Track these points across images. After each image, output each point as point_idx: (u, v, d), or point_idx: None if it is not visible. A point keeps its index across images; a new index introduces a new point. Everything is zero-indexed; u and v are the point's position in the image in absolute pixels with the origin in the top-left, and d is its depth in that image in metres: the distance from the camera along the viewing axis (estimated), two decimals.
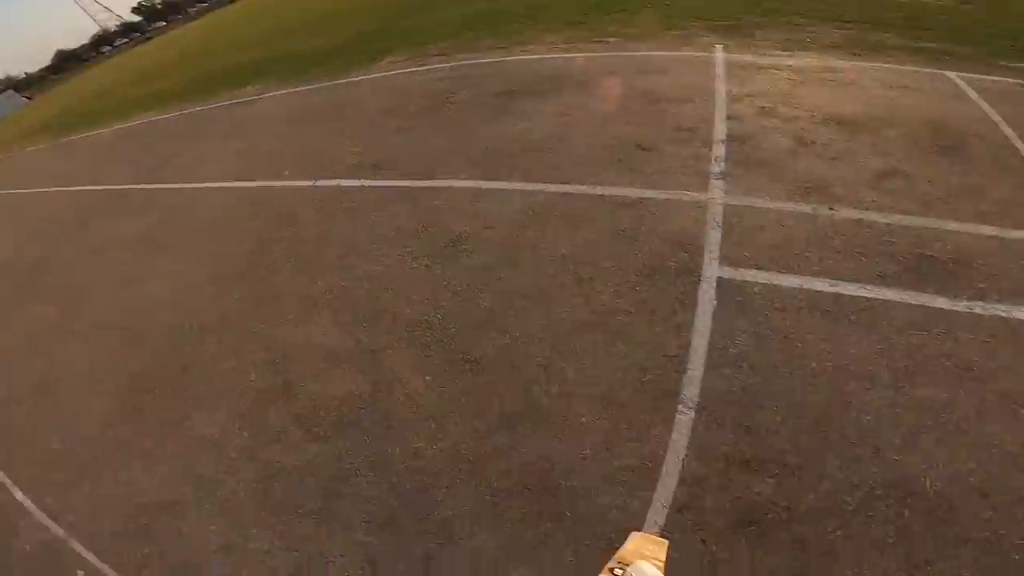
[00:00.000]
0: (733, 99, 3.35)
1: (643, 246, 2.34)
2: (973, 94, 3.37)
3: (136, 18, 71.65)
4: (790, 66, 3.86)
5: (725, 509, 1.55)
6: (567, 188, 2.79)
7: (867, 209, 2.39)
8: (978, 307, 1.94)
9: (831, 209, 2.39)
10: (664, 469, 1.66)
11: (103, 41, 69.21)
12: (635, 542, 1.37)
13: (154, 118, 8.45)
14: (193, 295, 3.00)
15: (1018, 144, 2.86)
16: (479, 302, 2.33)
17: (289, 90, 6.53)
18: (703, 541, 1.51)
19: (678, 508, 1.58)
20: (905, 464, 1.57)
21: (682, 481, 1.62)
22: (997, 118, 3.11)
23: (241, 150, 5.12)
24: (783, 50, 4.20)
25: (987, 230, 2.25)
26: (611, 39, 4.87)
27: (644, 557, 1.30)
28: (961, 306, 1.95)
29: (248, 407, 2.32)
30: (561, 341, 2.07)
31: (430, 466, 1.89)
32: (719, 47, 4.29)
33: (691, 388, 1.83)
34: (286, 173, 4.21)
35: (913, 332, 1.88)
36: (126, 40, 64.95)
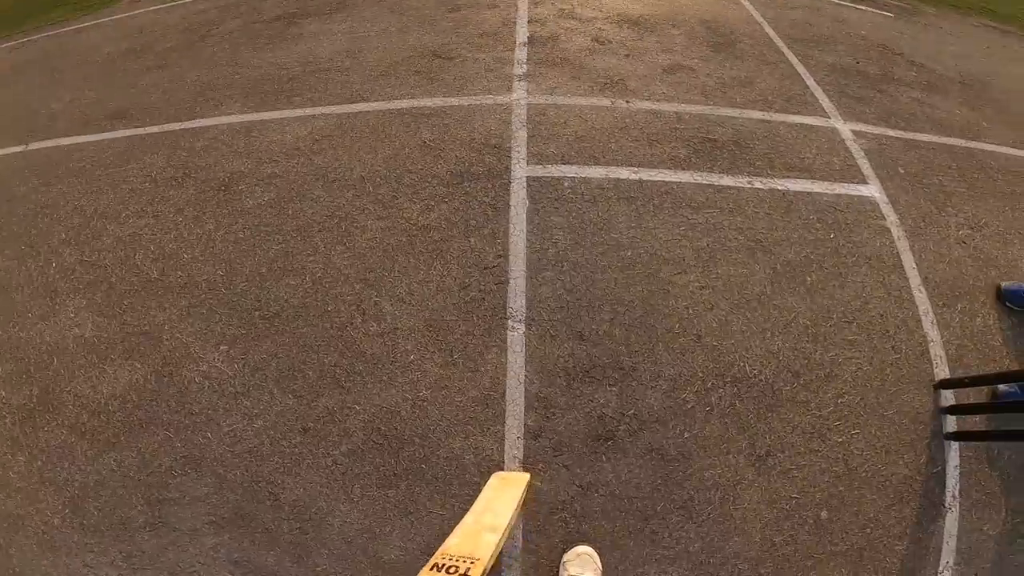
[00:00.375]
0: (535, 2, 3.21)
1: (448, 155, 2.11)
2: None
3: None
4: None
5: (579, 428, 1.50)
6: (360, 107, 2.39)
7: (658, 100, 2.48)
8: (757, 182, 2.15)
9: (627, 102, 2.43)
10: (508, 396, 1.54)
11: None
12: (486, 497, 1.29)
13: None
14: None
15: (779, 42, 3.26)
16: (267, 247, 1.89)
17: None
18: (566, 467, 1.45)
19: (533, 436, 1.49)
20: (724, 350, 1.66)
21: (529, 406, 1.53)
22: (760, 19, 3.51)
23: None
24: None
25: (757, 115, 2.51)
26: None
27: (497, 503, 1.22)
28: (743, 183, 2.15)
29: (9, 430, 1.68)
30: (371, 272, 1.78)
31: (258, 448, 1.56)
32: None
33: (517, 299, 1.71)
34: None
35: (708, 210, 2.02)
36: None
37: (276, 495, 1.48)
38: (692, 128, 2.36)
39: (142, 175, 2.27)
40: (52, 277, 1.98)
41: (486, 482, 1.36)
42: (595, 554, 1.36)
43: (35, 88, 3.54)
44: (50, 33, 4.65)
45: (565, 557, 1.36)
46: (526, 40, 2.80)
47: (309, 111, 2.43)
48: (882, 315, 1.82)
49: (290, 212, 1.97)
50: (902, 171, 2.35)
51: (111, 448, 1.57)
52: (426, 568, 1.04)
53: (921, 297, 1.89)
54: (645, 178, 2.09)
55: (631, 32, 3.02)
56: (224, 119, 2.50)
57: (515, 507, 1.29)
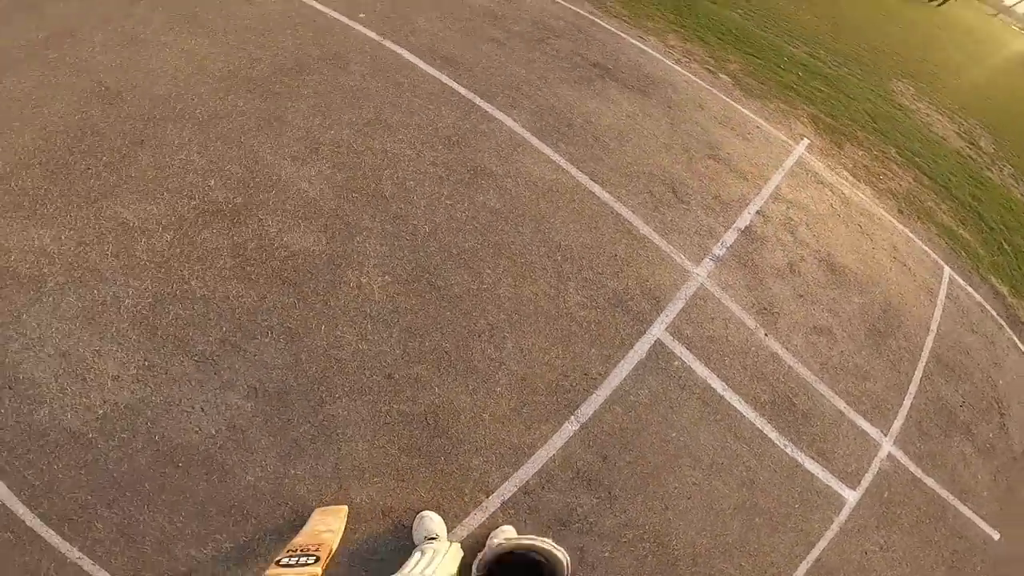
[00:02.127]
0: (774, 198, 3.57)
1: (623, 277, 2.68)
2: (943, 294, 3.79)
3: None
4: (843, 194, 4.07)
5: (556, 509, 2.03)
6: (595, 189, 3.00)
7: (787, 348, 2.83)
8: (789, 448, 2.51)
9: (765, 335, 2.82)
10: (532, 459, 2.09)
11: None
12: (316, 518, 1.67)
13: None
14: (198, 81, 2.88)
15: (923, 358, 3.28)
16: (465, 239, 2.56)
17: None
18: (524, 523, 1.98)
19: (526, 491, 2.03)
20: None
21: (540, 472, 2.08)
22: (933, 327, 3.51)
23: None
24: (851, 175, 4.36)
25: (840, 405, 2.78)
26: (724, 76, 4.77)
27: (322, 532, 1.52)
28: (781, 441, 2.52)
29: (188, 212, 2.31)
30: (517, 315, 2.44)
31: (346, 362, 2.05)
32: (805, 142, 4.38)
33: (588, 408, 2.28)
34: (361, 16, 4.04)
35: (745, 444, 2.44)
36: None
37: (321, 404, 1.97)
38: (789, 385, 2.72)
39: (429, 118, 3.06)
40: (323, 139, 2.81)
41: (470, 499, 1.91)
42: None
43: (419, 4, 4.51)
44: None
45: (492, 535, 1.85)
46: (742, 227, 3.22)
47: (562, 162, 3.09)
48: None
49: (497, 227, 2.67)
50: (886, 495, 2.59)
51: (245, 281, 2.16)
52: (273, 565, 1.26)
53: None
54: (726, 397, 2.53)
55: (823, 276, 3.31)
56: (509, 122, 3.24)
57: (341, 525, 1.63)
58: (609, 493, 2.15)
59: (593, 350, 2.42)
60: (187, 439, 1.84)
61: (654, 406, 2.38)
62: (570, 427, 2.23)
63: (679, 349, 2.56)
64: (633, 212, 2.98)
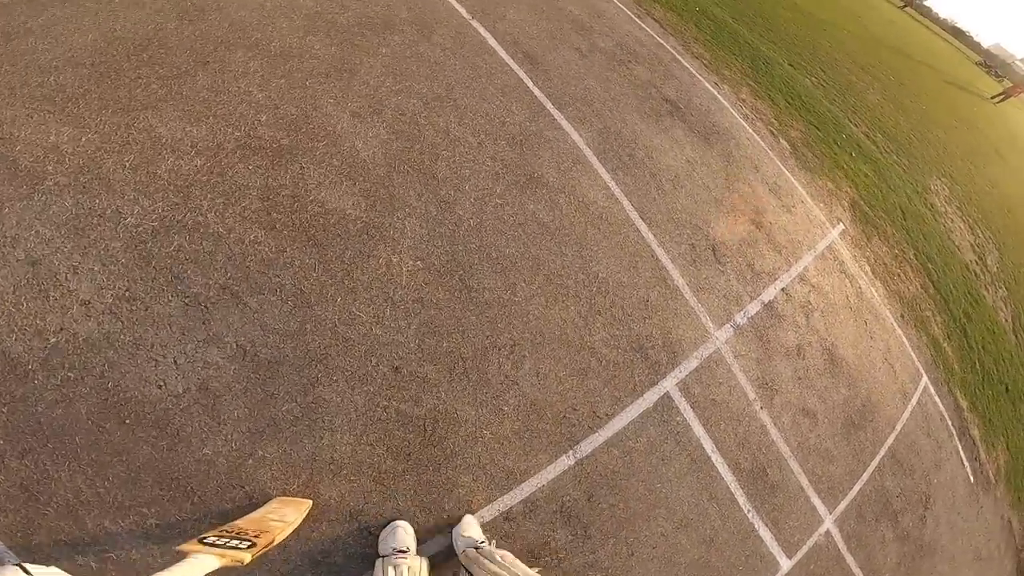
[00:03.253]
0: (800, 278, 3.58)
1: (649, 324, 2.65)
2: (915, 400, 3.90)
3: None
4: (860, 288, 4.11)
5: (531, 540, 2.00)
6: (641, 226, 2.97)
7: (775, 425, 2.88)
8: (751, 515, 2.56)
9: (760, 408, 2.84)
10: (523, 484, 2.05)
11: None
12: (272, 506, 1.47)
13: None
14: (282, 15, 2.72)
15: (879, 455, 3.40)
16: (507, 246, 2.49)
17: None
18: (505, 542, 1.94)
19: (507, 517, 1.98)
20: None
21: (526, 501, 2.04)
22: (899, 427, 3.64)
23: None
24: (871, 270, 4.40)
25: (804, 481, 2.85)
26: (785, 141, 4.73)
27: (272, 520, 1.35)
28: (747, 507, 2.56)
29: (228, 141, 2.14)
30: (542, 338, 2.39)
31: (353, 343, 1.90)
32: (840, 227, 4.39)
33: (587, 446, 2.27)
34: None
35: (716, 504, 2.47)
36: None
37: (313, 384, 1.79)
38: (768, 457, 2.78)
39: (499, 111, 2.97)
40: (386, 100, 2.68)
41: (448, 516, 1.75)
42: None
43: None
44: None
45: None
46: (766, 301, 3.22)
47: (617, 191, 3.03)
48: None
49: (541, 242, 2.60)
50: (812, 567, 2.70)
51: (266, 229, 2.01)
52: (194, 541, 1.08)
53: None
54: (712, 459, 2.56)
55: (822, 364, 3.35)
56: (575, 136, 3.15)
57: (298, 519, 1.45)
58: (585, 532, 2.15)
59: (606, 389, 2.40)
60: (145, 393, 1.58)
61: (648, 456, 2.38)
62: (566, 461, 2.22)
63: (684, 406, 2.56)
64: (672, 261, 2.95)
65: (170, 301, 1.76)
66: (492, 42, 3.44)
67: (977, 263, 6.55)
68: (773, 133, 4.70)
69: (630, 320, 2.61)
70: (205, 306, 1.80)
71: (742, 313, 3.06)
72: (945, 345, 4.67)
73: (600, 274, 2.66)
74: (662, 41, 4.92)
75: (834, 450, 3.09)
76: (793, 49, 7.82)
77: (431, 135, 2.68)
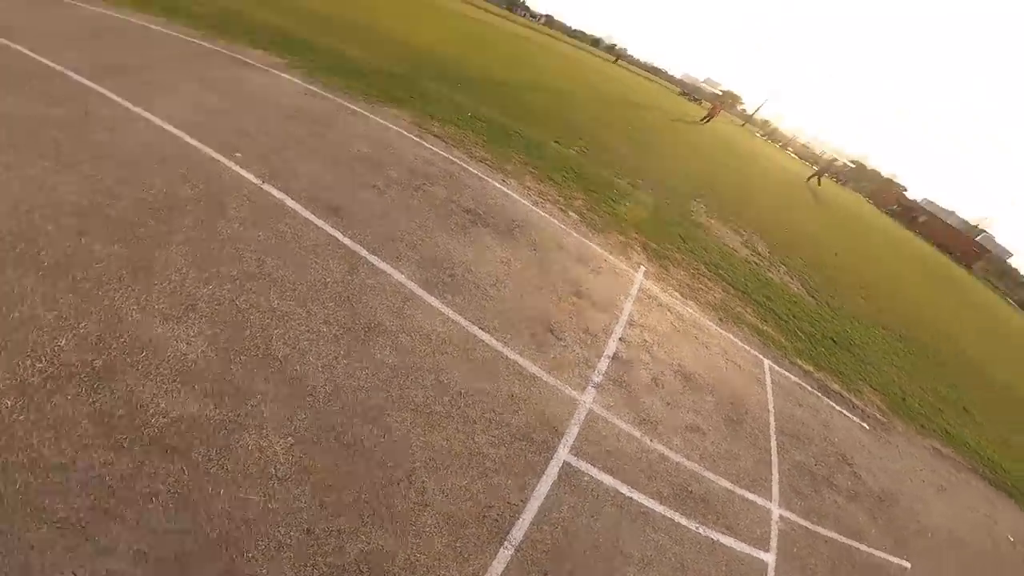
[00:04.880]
0: (629, 323, 5.06)
1: (523, 414, 3.52)
2: (769, 381, 5.61)
3: None
4: (678, 312, 5.87)
5: None
6: (483, 336, 3.94)
7: (670, 448, 3.95)
8: (700, 528, 3.47)
9: (650, 440, 3.92)
10: None
11: None
12: None
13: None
14: (46, 217, 3.13)
15: (772, 432, 4.86)
16: (371, 394, 3.14)
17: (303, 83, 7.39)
18: None
19: None
20: None
21: None
22: (770, 407, 5.22)
23: (209, 106, 5.57)
24: (680, 294, 6.31)
25: (726, 484, 3.93)
26: (573, 213, 6.67)
27: None
28: (692, 524, 3.46)
29: (32, 375, 2.47)
30: (434, 460, 3.01)
31: (255, 521, 2.31)
32: (642, 269, 6.27)
33: (518, 532, 2.88)
34: (238, 155, 4.72)
35: (663, 534, 3.30)
36: None
37: (233, 561, 2.19)
38: (681, 477, 3.77)
39: (317, 272, 3.73)
40: (199, 294, 3.23)
41: None
42: None
43: (299, 139, 5.45)
44: (339, 100, 7.10)
45: None
46: (611, 354, 4.49)
47: (451, 313, 4.00)
48: None
49: (398, 383, 3.31)
50: (795, 550, 3.69)
51: (117, 450, 2.44)
52: None
53: None
54: (634, 498, 3.42)
55: (680, 384, 4.72)
56: (397, 275, 4.10)
57: None
58: None
59: (510, 480, 3.10)
60: None
61: (576, 519, 3.11)
62: (506, 552, 2.78)
63: (584, 466, 3.41)
64: (520, 355, 3.98)
65: (40, 528, 2.01)
66: (290, 203, 4.30)
67: (753, 255, 9.67)
68: (562, 209, 6.60)
69: (504, 417, 3.45)
70: (80, 525, 2.07)
71: (596, 372, 4.22)
72: (765, 327, 6.82)
73: (462, 389, 3.48)
74: (447, 155, 6.59)
75: (733, 448, 4.32)
76: (552, 127, 10.91)
77: (257, 317, 3.25)
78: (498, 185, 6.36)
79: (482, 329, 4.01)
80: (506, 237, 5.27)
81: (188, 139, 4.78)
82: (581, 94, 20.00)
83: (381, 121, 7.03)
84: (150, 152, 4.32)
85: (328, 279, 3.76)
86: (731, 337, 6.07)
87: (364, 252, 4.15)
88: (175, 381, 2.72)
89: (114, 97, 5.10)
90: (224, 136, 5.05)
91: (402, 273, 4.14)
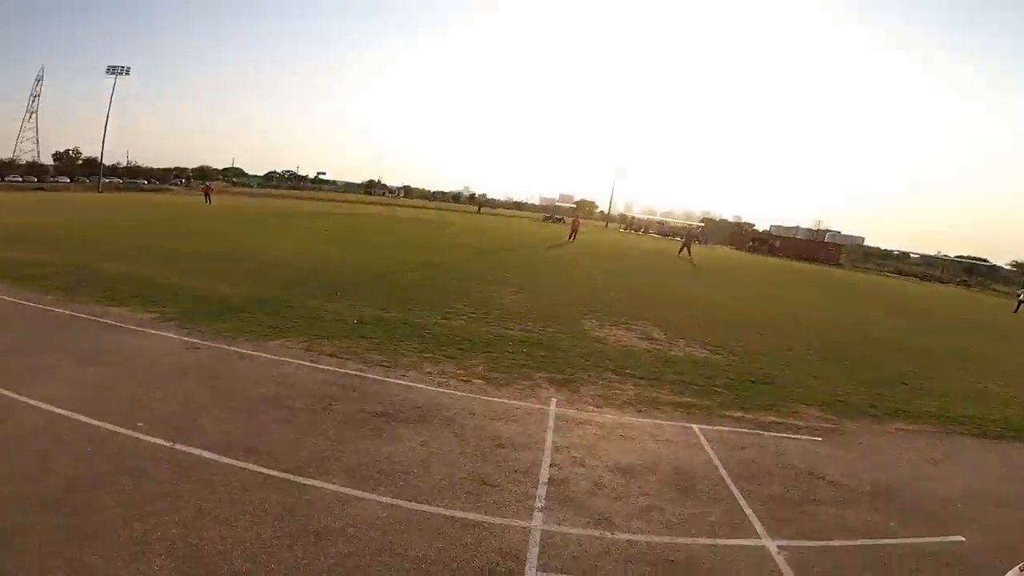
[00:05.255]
0: (557, 449, 5.77)
1: (483, 555, 3.90)
2: (704, 441, 6.35)
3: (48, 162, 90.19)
4: (599, 422, 6.69)
5: None
6: (426, 508, 4.41)
7: (635, 532, 4.41)
8: None
9: (611, 533, 4.38)
10: None
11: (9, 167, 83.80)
12: None
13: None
14: None
15: (728, 481, 5.44)
16: None
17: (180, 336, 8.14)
18: None
19: None
20: None
21: None
22: (717, 463, 5.86)
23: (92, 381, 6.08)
24: (595, 407, 7.20)
25: (705, 540, 4.38)
26: (477, 379, 7.61)
27: None
28: None
29: None
30: None
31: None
32: (553, 401, 7.17)
33: None
34: (140, 424, 5.13)
35: None
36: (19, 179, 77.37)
37: None
38: (656, 552, 4.18)
39: (258, 500, 4.13)
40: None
41: None
42: None
43: (195, 395, 5.96)
44: (223, 346, 7.78)
45: None
46: (546, 480, 5.10)
47: (388, 499, 4.46)
48: None
49: (357, 562, 3.62)
50: (816, 571, 4.01)
51: None
52: None
53: None
54: None
55: (622, 478, 5.33)
56: (329, 486, 4.54)
57: None
58: None
59: None
60: None
61: None
62: None
63: None
64: (463, 510, 4.48)
65: None
66: (208, 455, 4.71)
67: (651, 343, 10.99)
68: (464, 380, 7.52)
69: (466, 563, 3.81)
70: None
71: (537, 499, 4.76)
72: (684, 399, 7.73)
73: (419, 554, 3.83)
74: (344, 371, 7.35)
75: (697, 510, 4.82)
76: (435, 304, 12.26)
77: (211, 547, 3.55)
78: (400, 382, 7.20)
79: (420, 503, 4.49)
80: (420, 424, 5.97)
81: (83, 418, 5.27)
82: (453, 258, 22.49)
83: (272, 357, 7.78)
84: (51, 436, 4.86)
85: (267, 504, 4.21)
86: (655, 422, 6.92)
87: (292, 476, 4.61)
88: None
89: None
90: (117, 408, 5.57)
91: (333, 483, 4.60)
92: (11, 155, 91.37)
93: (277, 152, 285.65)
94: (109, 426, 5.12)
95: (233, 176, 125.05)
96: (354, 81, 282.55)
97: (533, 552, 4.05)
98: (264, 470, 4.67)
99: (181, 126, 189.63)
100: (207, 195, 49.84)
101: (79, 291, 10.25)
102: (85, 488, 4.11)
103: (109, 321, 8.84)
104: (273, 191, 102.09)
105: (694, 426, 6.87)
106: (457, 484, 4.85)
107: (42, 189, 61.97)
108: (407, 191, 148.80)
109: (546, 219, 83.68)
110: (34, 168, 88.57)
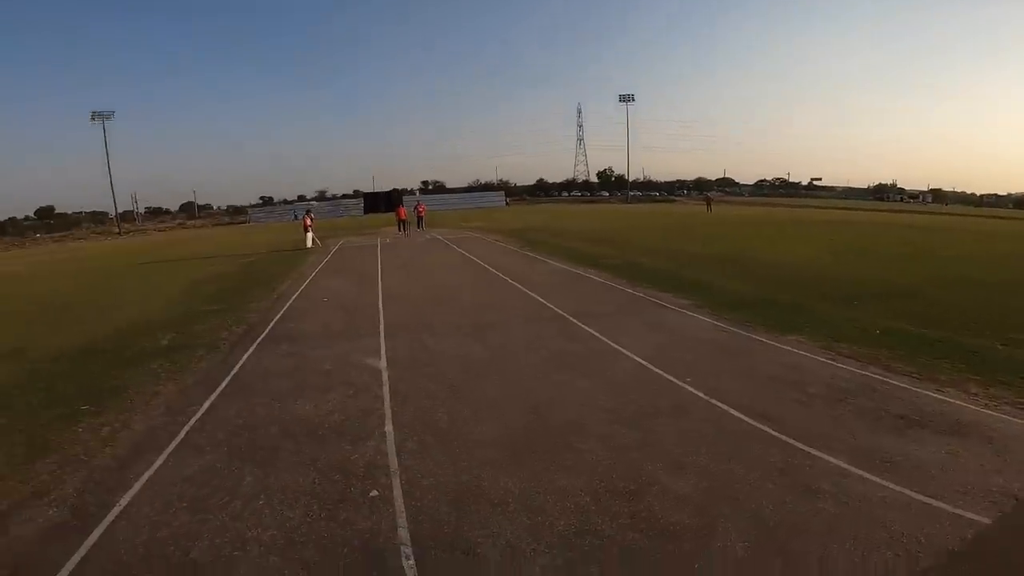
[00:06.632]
0: None
1: None
2: None
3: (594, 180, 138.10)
4: None
5: None
6: (933, 502, 4.43)
7: None
8: None
9: None
10: None
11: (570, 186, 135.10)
12: None
13: None
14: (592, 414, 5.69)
15: None
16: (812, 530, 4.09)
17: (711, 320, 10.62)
18: None
19: None
20: None
21: None
22: None
23: (660, 344, 8.85)
24: None
25: None
26: None
27: None
28: None
29: None
30: None
31: None
32: None
33: None
34: (688, 379, 7.10)
35: None
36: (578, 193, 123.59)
37: None
38: None
39: (760, 452, 5.11)
40: None
41: None
42: None
43: (723, 365, 7.68)
44: (743, 332, 9.66)
45: None
46: None
47: (891, 486, 4.60)
48: None
49: (839, 524, 4.10)
50: None
51: None
52: None
53: None
54: None
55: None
56: (833, 460, 5.10)
57: None
58: None
59: None
60: None
61: None
62: None
63: None
64: (978, 515, 4.22)
65: None
66: (730, 410, 6.12)
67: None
68: (1022, 407, 6.11)
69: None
70: None
71: None
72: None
73: (901, 531, 3.89)
74: (864, 372, 7.43)
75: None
76: (990, 326, 9.38)
77: (742, 472, 4.82)
78: (932, 394, 6.65)
79: (928, 496, 4.51)
80: (951, 436, 5.55)
81: (654, 368, 7.85)
82: (1013, 275, 16.61)
83: (788, 348, 8.78)
84: (634, 376, 7.45)
85: (768, 459, 5.26)
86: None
87: (797, 443, 5.51)
88: None
89: (596, 334, 9.46)
90: (672, 365, 8.00)
91: (836, 459, 5.18)
92: (571, 176, 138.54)
93: (765, 159, 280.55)
94: (669, 376, 7.55)
95: (726, 186, 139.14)
96: None
97: None
98: (773, 432, 5.76)
99: (684, 145, 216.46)
100: (708, 204, 57.18)
101: (636, 278, 14.85)
102: (647, 416, 6.33)
103: (660, 302, 12.46)
104: (763, 199, 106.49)
105: None
106: (982, 494, 4.51)
107: (593, 202, 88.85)
108: (937, 196, 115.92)
109: None
110: (588, 185, 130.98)
